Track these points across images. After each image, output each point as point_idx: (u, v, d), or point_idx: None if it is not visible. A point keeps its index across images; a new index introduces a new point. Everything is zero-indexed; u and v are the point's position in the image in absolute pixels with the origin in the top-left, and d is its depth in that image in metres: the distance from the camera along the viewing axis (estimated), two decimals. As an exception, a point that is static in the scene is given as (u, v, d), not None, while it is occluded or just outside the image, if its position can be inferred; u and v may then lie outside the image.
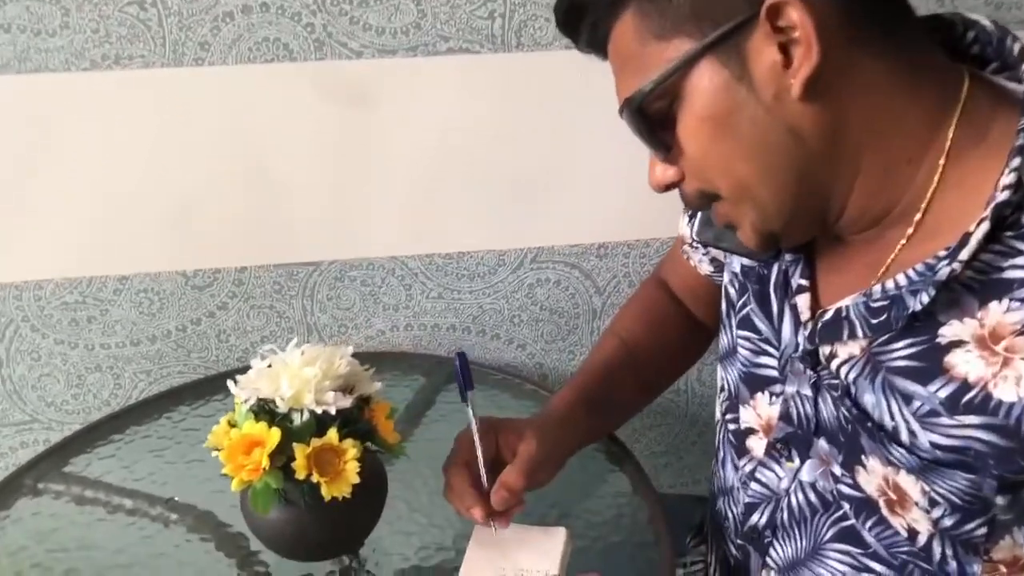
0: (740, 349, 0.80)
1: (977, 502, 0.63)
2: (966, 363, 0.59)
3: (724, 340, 0.84)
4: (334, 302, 1.17)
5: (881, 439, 0.64)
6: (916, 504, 0.65)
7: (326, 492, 0.72)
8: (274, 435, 0.72)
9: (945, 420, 0.60)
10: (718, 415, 0.88)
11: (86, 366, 1.17)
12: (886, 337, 0.63)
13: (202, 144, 1.06)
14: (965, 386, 0.59)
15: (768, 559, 0.80)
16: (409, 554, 0.85)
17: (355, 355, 1.17)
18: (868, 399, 0.65)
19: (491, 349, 1.24)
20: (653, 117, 0.63)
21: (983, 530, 0.64)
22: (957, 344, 0.59)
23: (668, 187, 0.67)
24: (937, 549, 0.67)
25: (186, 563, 0.85)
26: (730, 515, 0.85)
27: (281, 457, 0.73)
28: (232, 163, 1.08)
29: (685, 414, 1.33)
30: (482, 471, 0.78)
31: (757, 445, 0.79)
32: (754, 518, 0.80)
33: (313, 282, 1.16)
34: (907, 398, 0.62)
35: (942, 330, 0.60)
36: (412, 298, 1.19)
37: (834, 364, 0.67)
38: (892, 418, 0.63)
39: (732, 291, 0.82)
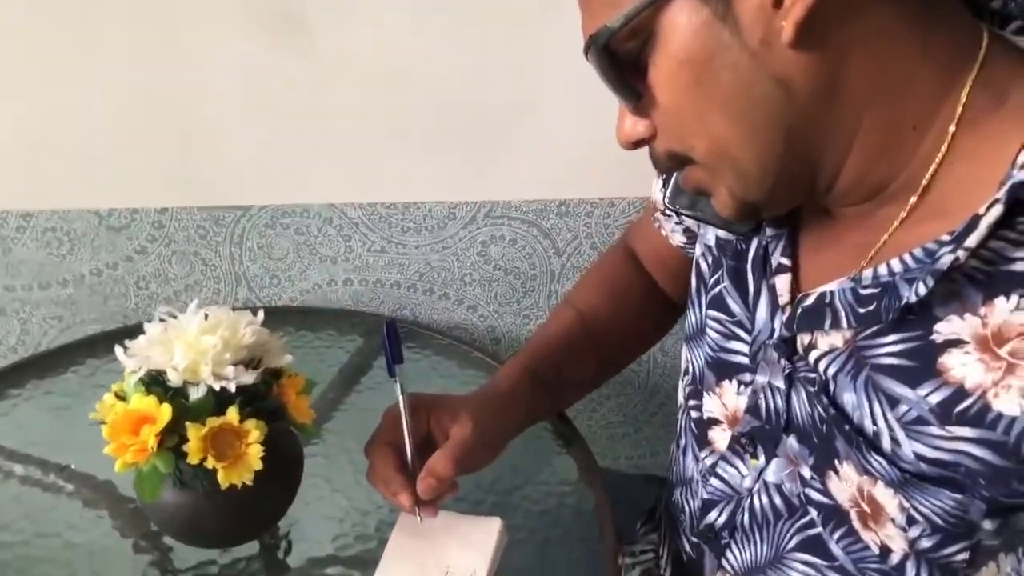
0: (709, 331, 0.72)
1: (961, 524, 0.55)
2: (963, 366, 0.51)
3: (692, 319, 0.77)
4: (265, 251, 1.07)
5: (859, 445, 0.57)
6: (892, 520, 0.58)
7: (223, 479, 0.64)
8: (164, 412, 0.63)
9: (934, 430, 0.53)
10: (680, 399, 0.80)
11: (-11, 309, 1.06)
12: (874, 330, 0.56)
13: (118, 67, 0.94)
14: (960, 393, 0.51)
15: (724, 561, 0.73)
16: (326, 541, 0.77)
17: (287, 309, 1.10)
18: (848, 398, 0.57)
19: (439, 309, 1.14)
20: (622, 59, 0.54)
21: (965, 555, 0.57)
22: (954, 344, 0.52)
23: (637, 144, 0.59)
24: (911, 570, 0.60)
25: (76, 544, 0.76)
26: (687, 508, 0.78)
27: (173, 437, 0.64)
28: (151, 91, 0.96)
29: (646, 385, 1.25)
30: (409, 453, 0.71)
31: (720, 437, 0.72)
32: (711, 516, 0.73)
33: (242, 228, 1.05)
34: (892, 401, 0.55)
35: (938, 326, 0.52)
36: (352, 250, 1.08)
37: (812, 356, 0.60)
38: (874, 422, 0.56)
39: (704, 266, 0.74)
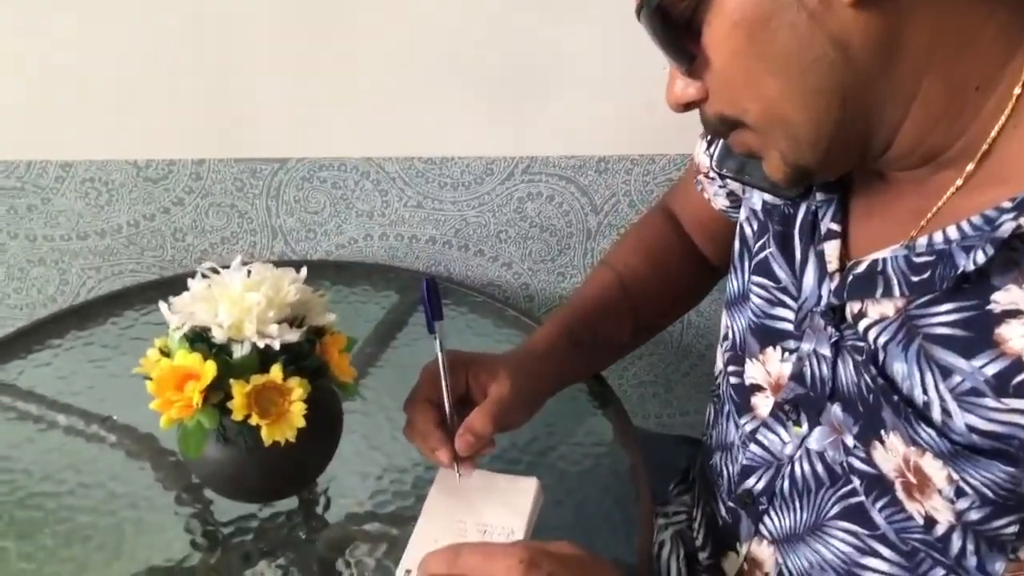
0: (753, 297, 0.71)
1: (1012, 497, 0.54)
2: (1022, 337, 0.50)
3: (734, 284, 0.75)
4: (301, 204, 1.06)
5: (908, 415, 0.56)
6: (939, 492, 0.57)
7: (266, 435, 0.64)
8: (209, 369, 0.63)
9: (989, 402, 0.51)
10: (719, 365, 0.80)
11: (28, 259, 1.06)
12: (927, 298, 0.54)
13: (151, 15, 0.93)
14: (1018, 365, 0.50)
15: (761, 527, 0.73)
16: (364, 498, 0.77)
17: (323, 264, 1.10)
18: (898, 368, 0.56)
19: (473, 266, 1.14)
20: (675, 20, 0.52)
21: (1014, 528, 0.56)
22: (1013, 314, 0.50)
23: (687, 107, 0.57)
24: (957, 542, 0.59)
25: (119, 494, 0.77)
26: (725, 473, 0.78)
27: (218, 393, 0.64)
28: (185, 41, 0.95)
29: (679, 345, 1.24)
30: (448, 410, 0.71)
31: (762, 404, 0.71)
32: (750, 481, 0.73)
33: (279, 181, 1.04)
34: (945, 372, 0.53)
35: (996, 296, 0.50)
36: (388, 205, 1.07)
37: (862, 325, 0.59)
38: (924, 392, 0.55)
39: (749, 230, 0.72)
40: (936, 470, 0.56)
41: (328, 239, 1.10)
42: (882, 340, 0.57)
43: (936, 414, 0.54)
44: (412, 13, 0.95)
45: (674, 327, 1.22)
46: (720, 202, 0.83)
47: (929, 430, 0.55)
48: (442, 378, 0.71)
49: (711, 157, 0.80)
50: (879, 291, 0.56)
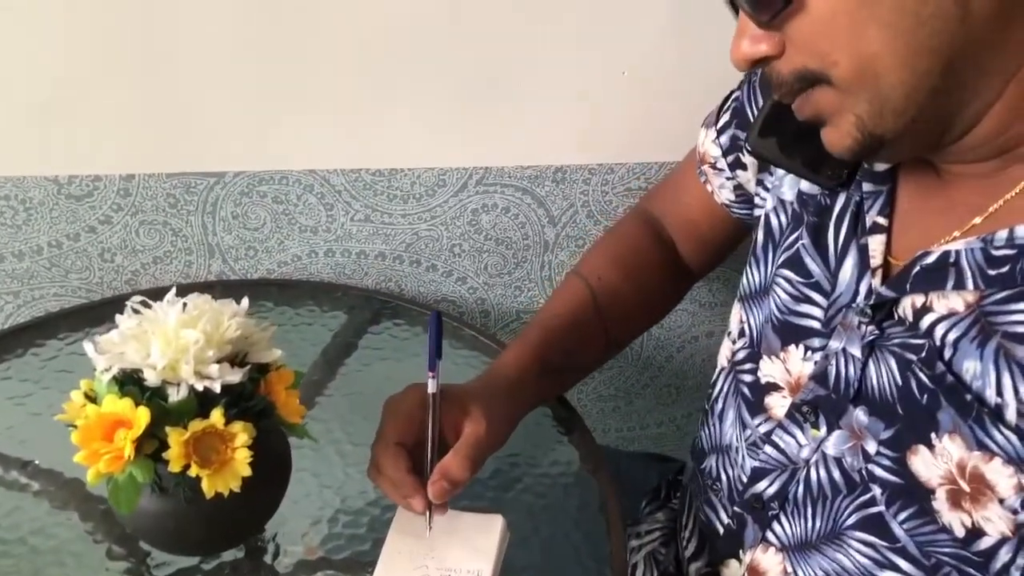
0: (778, 291, 0.68)
1: None
2: None
3: (754, 277, 0.72)
4: (240, 221, 1.00)
5: (980, 416, 0.53)
6: (1001, 501, 0.53)
7: (208, 487, 0.58)
8: (142, 415, 0.57)
9: None
10: (724, 361, 0.77)
11: (-62, 284, 0.98)
12: (1004, 294, 0.51)
13: (73, 19, 0.85)
14: None
15: (769, 533, 0.70)
16: (315, 544, 0.72)
17: (265, 283, 1.03)
18: (969, 366, 0.53)
19: (426, 282, 1.08)
20: None
21: None
22: None
23: (756, 63, 0.54)
24: (1005, 555, 0.55)
25: (43, 550, 0.69)
26: (725, 477, 0.75)
27: (152, 442, 0.58)
28: (114, 46, 0.87)
29: (639, 357, 1.21)
30: (429, 455, 0.66)
31: (778, 404, 0.68)
32: (760, 486, 0.69)
33: (215, 196, 0.97)
34: None
35: None
36: (334, 220, 1.01)
37: (926, 320, 0.55)
38: (999, 393, 0.52)
39: (776, 222, 0.70)
40: (1003, 477, 0.53)
41: (270, 257, 1.03)
42: (952, 336, 0.54)
43: (1011, 416, 0.51)
44: (358, 19, 0.89)
45: (635, 340, 1.18)
46: (724, 195, 0.81)
47: (1007, 433, 0.52)
48: (430, 425, 0.66)
49: (720, 147, 0.77)
50: (950, 283, 0.53)
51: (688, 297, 1.13)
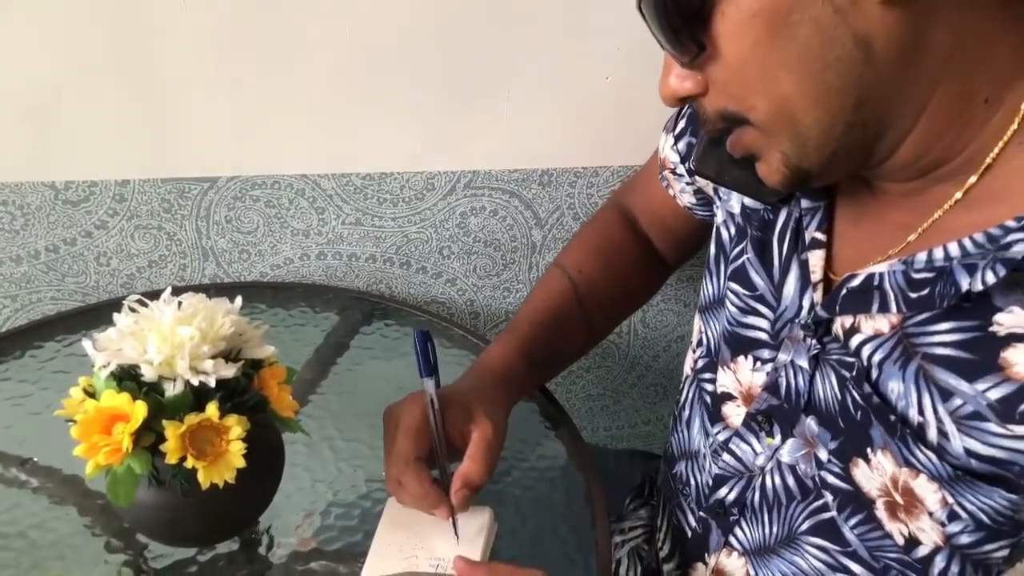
0: (728, 304, 0.69)
1: (1009, 524, 0.53)
2: None
3: (709, 288, 0.74)
4: (234, 225, 1.02)
5: (904, 435, 0.54)
6: (929, 514, 0.56)
7: (204, 478, 0.60)
8: (139, 409, 0.59)
9: (991, 427, 0.50)
10: (688, 370, 0.78)
11: (-63, 288, 1.00)
12: (925, 316, 0.53)
13: (70, 27, 0.87)
14: None
15: (731, 538, 0.72)
16: (309, 536, 0.73)
17: (258, 286, 1.05)
18: (893, 387, 0.55)
19: (416, 283, 1.10)
20: (683, 7, 0.49)
21: (1004, 552, 0.55)
22: (1020, 338, 0.48)
23: (683, 101, 0.55)
24: (939, 563, 0.57)
25: (42, 545, 0.71)
26: (693, 481, 0.76)
27: (149, 435, 0.60)
28: (107, 54, 0.89)
29: (626, 356, 1.23)
30: (441, 464, 0.69)
31: (734, 413, 0.70)
32: (722, 492, 0.71)
33: (209, 200, 0.99)
34: (945, 394, 0.52)
35: (999, 317, 0.49)
36: (325, 223, 1.03)
37: (854, 340, 0.57)
38: (920, 413, 0.53)
39: (726, 234, 0.71)
40: (929, 492, 0.55)
41: (263, 260, 1.05)
42: (877, 357, 0.56)
43: (932, 435, 0.53)
44: (348, 25, 0.91)
45: (621, 339, 1.21)
46: (686, 199, 0.82)
47: (928, 452, 0.53)
48: (436, 436, 0.68)
49: (679, 153, 0.78)
50: (875, 307, 0.55)
51: (674, 298, 1.16)
